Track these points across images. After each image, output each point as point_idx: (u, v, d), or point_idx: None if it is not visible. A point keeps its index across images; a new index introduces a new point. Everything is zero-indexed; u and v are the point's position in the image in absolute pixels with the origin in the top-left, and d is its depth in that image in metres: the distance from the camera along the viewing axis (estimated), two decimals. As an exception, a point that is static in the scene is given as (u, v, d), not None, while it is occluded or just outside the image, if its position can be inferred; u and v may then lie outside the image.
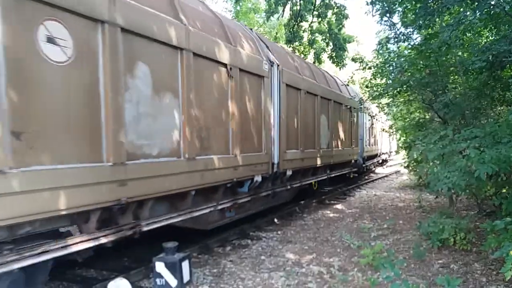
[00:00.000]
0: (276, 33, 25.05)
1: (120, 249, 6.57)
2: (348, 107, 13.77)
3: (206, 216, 6.31)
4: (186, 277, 4.46)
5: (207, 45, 5.87)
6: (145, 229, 4.85)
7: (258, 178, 7.44)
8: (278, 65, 8.25)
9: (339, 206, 11.45)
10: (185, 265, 4.47)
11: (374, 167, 22.54)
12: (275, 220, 9.10)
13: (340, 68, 20.40)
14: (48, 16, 3.68)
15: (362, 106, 12.90)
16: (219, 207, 6.46)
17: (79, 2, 3.91)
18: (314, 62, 19.96)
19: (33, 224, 3.71)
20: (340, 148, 12.91)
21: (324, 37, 19.63)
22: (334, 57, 19.25)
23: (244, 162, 6.88)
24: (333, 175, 12.58)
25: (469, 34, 7.41)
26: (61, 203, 3.71)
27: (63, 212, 3.76)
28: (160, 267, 4.37)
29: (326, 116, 11.54)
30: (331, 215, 10.10)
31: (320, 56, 20.59)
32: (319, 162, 10.79)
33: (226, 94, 6.46)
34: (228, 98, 6.50)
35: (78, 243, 4.04)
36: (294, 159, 9.02)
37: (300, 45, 20.17)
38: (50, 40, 3.70)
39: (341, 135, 13.14)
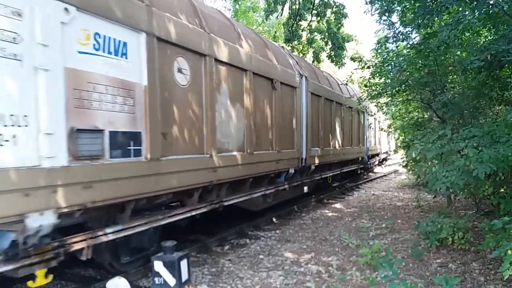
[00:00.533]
0: (275, 32, 25.05)
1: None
2: (356, 110, 15.28)
3: (256, 200, 7.99)
4: (184, 276, 4.46)
5: (261, 66, 7.81)
6: (225, 204, 6.69)
7: (292, 171, 9.23)
8: (306, 77, 10.14)
9: (337, 206, 11.46)
10: (184, 264, 4.47)
11: (375, 165, 22.93)
12: (274, 219, 9.11)
13: (339, 67, 20.38)
14: (179, 54, 5.48)
15: (362, 106, 12.96)
16: (267, 192, 8.29)
17: (194, 43, 5.73)
18: (313, 61, 19.97)
19: (166, 196, 5.37)
20: (350, 147, 14.76)
21: (323, 36, 19.62)
22: (333, 56, 19.23)
23: (282, 157, 8.67)
24: (345, 170, 14.39)
25: (468, 34, 7.41)
26: (184, 181, 5.50)
27: (185, 188, 5.57)
28: (158, 266, 4.36)
29: (340, 119, 13.43)
30: (330, 214, 10.11)
31: (319, 55, 20.59)
32: (334, 158, 12.70)
33: (270, 103, 8.27)
34: (272, 106, 8.32)
35: (191, 210, 5.88)
36: (316, 155, 10.79)
37: (299, 44, 20.16)
38: (179, 70, 5.50)
39: (351, 135, 14.97)
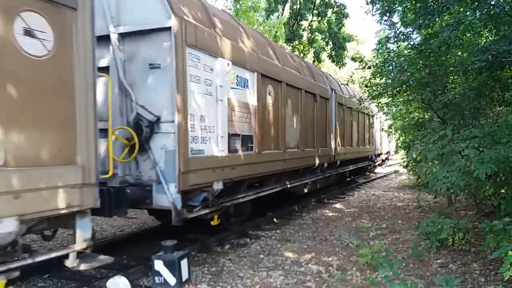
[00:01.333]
0: (276, 32, 25.03)
1: (119, 247, 6.57)
2: (367, 114, 18.20)
3: (300, 186, 10.56)
4: (185, 275, 4.47)
5: (309, 85, 10.71)
6: (289, 186, 9.42)
7: (326, 164, 12.09)
8: (334, 90, 12.99)
9: (338, 206, 11.46)
10: (184, 263, 4.48)
11: (379, 164, 23.97)
12: (274, 219, 9.11)
13: (339, 67, 20.38)
14: (269, 84, 8.28)
15: (370, 110, 13.09)
16: (311, 180, 11.12)
17: (277, 75, 8.63)
18: (313, 61, 19.95)
19: (259, 177, 8.19)
20: (363, 146, 17.74)
21: (324, 36, 19.60)
22: (333, 56, 19.22)
23: (320, 154, 11.46)
24: (360, 165, 17.63)
25: (469, 34, 7.41)
26: (271, 168, 8.30)
27: (271, 173, 8.42)
28: (159, 265, 4.37)
29: (356, 122, 16.39)
30: (330, 214, 10.11)
31: (320, 55, 20.58)
32: (352, 156, 15.64)
33: (313, 112, 11.09)
34: (314, 115, 11.16)
35: (272, 188, 8.66)
36: (341, 153, 13.82)
37: (299, 44, 20.15)
38: (269, 93, 8.30)
39: (363, 136, 17.94)
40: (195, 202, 5.95)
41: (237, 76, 6.98)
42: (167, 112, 5.54)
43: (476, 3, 5.91)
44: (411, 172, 13.94)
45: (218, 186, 6.27)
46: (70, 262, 4.03)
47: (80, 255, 4.12)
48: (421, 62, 7.94)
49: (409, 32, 9.01)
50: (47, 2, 3.67)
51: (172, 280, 4.33)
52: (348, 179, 16.94)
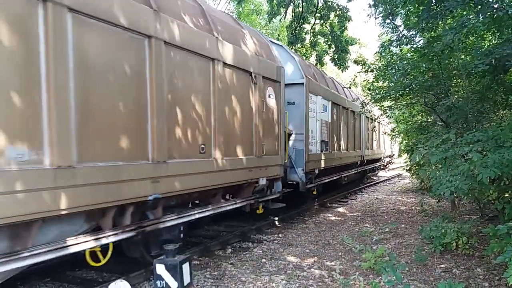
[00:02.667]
0: (278, 35, 25.08)
1: (120, 251, 6.56)
2: (378, 121, 21.46)
3: (348, 176, 15.14)
4: (186, 279, 4.44)
5: (350, 105, 15.40)
6: (326, 181, 12.51)
7: (358, 162, 16.83)
8: (364, 102, 13.92)
9: (340, 209, 11.42)
10: (186, 267, 4.45)
11: (377, 170, 23.80)
12: (276, 223, 9.08)
13: (342, 71, 20.38)
14: (335, 106, 13.63)
15: (366, 110, 13.03)
16: (352, 172, 15.78)
17: (338, 100, 14.01)
18: (316, 65, 19.96)
19: (329, 169, 13.12)
20: (378, 149, 22.08)
21: (326, 39, 19.64)
22: (336, 59, 19.24)
23: (355, 155, 16.17)
24: (377, 164, 22.80)
25: (472, 38, 7.37)
26: (336, 162, 13.40)
27: (335, 166, 13.40)
28: (160, 269, 4.34)
29: (377, 130, 21.32)
30: (333, 218, 10.07)
31: (323, 59, 20.59)
32: (371, 157, 19.80)
33: (353, 124, 15.89)
34: (354, 126, 16.04)
35: (339, 176, 13.98)
36: (366, 154, 18.41)
37: (302, 47, 20.18)
38: (334, 113, 13.70)
39: (377, 141, 21.79)
40: (307, 180, 10.51)
41: (323, 105, 11.93)
42: (299, 129, 10.51)
43: (479, 7, 5.87)
44: (414, 176, 13.88)
45: (316, 171, 11.20)
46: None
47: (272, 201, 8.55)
48: (424, 65, 7.91)
49: (412, 35, 8.97)
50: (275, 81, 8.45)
51: (174, 284, 4.30)
52: (369, 173, 21.25)
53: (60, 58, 3.96)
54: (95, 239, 4.36)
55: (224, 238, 7.30)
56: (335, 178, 13.34)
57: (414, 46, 8.81)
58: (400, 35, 9.22)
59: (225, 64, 6.61)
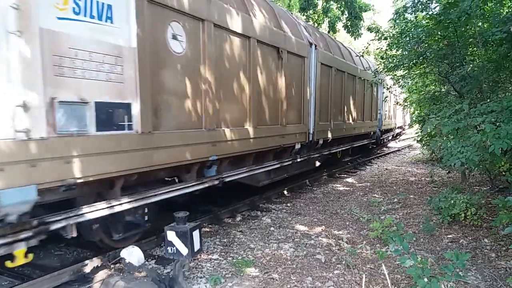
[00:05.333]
0: (290, 1, 24.37)
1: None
2: (390, 91, 17.68)
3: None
4: (196, 246, 4.55)
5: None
6: (355, 145, 13.92)
7: (376, 132, 17.10)
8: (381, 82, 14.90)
9: (349, 180, 11.46)
10: (196, 234, 4.55)
11: (388, 140, 23.40)
12: (285, 192, 9.16)
13: (355, 38, 19.87)
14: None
15: (378, 79, 12.70)
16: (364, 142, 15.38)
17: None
18: (328, 32, 19.47)
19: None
20: (389, 119, 21.44)
21: (339, 5, 19.05)
22: (349, 27, 18.72)
23: (367, 125, 15.29)
24: (392, 133, 23.80)
25: (491, 4, 7.09)
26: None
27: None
28: (171, 235, 4.45)
29: (370, 98, 16.02)
30: (341, 188, 10.12)
31: (335, 25, 20.05)
32: (387, 127, 20.94)
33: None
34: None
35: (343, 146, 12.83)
36: (384, 126, 18.28)
37: (314, 13, 19.64)
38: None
39: (388, 111, 20.84)
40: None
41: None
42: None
43: (500, -30, 5.63)
44: (425, 146, 13.77)
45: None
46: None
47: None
48: (439, 33, 7.67)
49: (428, 2, 8.65)
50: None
51: (184, 250, 4.41)
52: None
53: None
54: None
55: (233, 206, 7.41)
56: (348, 146, 13.12)
57: (430, 13, 8.52)
58: (416, 1, 8.89)
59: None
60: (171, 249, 4.48)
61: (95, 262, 4.66)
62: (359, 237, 5.99)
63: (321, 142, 10.24)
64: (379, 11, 32.42)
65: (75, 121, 3.81)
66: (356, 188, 10.16)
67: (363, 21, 19.10)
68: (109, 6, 4.13)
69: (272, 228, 6.41)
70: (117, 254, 4.72)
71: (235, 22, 6.29)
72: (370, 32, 10.97)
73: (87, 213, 4.08)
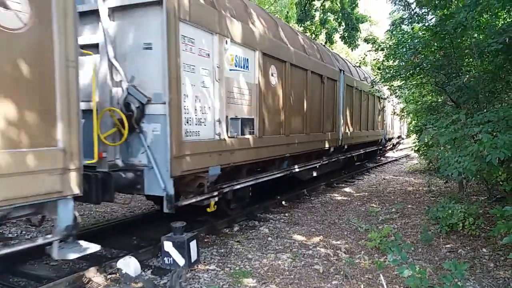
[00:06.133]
0: (287, 12, 24.59)
1: (129, 229, 6.67)
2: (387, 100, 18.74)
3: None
4: (193, 256, 4.51)
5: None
6: (358, 153, 14.70)
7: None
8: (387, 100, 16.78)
9: (347, 189, 11.44)
10: (193, 244, 4.51)
11: (390, 148, 24.24)
12: (283, 202, 9.14)
13: (352, 49, 20.04)
14: None
15: (376, 90, 12.85)
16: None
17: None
18: (325, 43, 19.62)
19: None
20: (380, 131, 20.09)
21: (336, 17, 19.23)
22: (346, 38, 18.88)
23: (373, 134, 16.65)
24: (394, 142, 24.05)
25: (486, 16, 7.17)
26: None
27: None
28: (168, 246, 4.41)
29: (377, 110, 18.05)
30: (339, 198, 10.10)
31: (332, 36, 20.23)
32: (392, 135, 22.58)
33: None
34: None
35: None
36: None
37: (311, 24, 19.81)
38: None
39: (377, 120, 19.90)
40: None
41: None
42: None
43: (495, -17, 5.70)
44: (423, 156, 13.79)
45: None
46: None
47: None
48: (435, 44, 7.74)
49: (424, 13, 8.76)
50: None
51: (181, 261, 4.37)
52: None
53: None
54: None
55: (231, 216, 7.38)
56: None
57: (426, 24, 8.61)
58: (412, 12, 9.00)
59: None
60: (168, 259, 4.44)
61: (91, 272, 4.62)
62: (357, 247, 5.97)
63: (346, 146, 12.79)
64: (376, 23, 32.81)
65: (234, 129, 6.40)
66: (354, 197, 10.14)
67: (360, 32, 19.29)
68: (247, 60, 6.79)
69: (269, 238, 6.38)
70: (113, 264, 4.68)
71: (301, 61, 8.96)
72: (367, 43, 11.08)
73: (239, 183, 6.80)
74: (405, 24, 9.85)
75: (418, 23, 9.17)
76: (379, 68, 11.15)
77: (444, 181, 10.91)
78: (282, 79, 8.03)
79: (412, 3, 9.16)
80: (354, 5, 18.18)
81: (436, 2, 6.75)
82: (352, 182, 12.90)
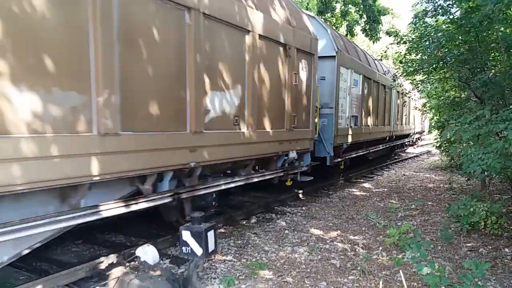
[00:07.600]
0: (308, 4, 24.34)
1: (149, 217, 6.78)
2: (409, 96, 20.26)
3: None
4: (211, 246, 4.55)
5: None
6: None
7: (387, 138, 16.94)
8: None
9: (366, 185, 11.34)
10: (211, 235, 4.55)
11: (412, 143, 25.36)
12: (300, 195, 9.12)
13: (373, 42, 19.73)
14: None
15: (396, 83, 12.66)
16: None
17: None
18: (346, 35, 19.37)
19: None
20: (411, 125, 23.00)
21: (357, 9, 18.94)
22: (367, 30, 18.60)
23: (385, 130, 16.13)
24: (406, 140, 23.08)
25: (514, 8, 6.93)
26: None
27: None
28: (186, 235, 4.46)
29: (402, 105, 19.59)
30: (358, 193, 10.02)
31: (353, 29, 19.94)
32: (405, 133, 21.40)
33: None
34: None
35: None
36: (395, 130, 17.94)
37: (332, 16, 19.58)
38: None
39: (406, 116, 21.87)
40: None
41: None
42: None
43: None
44: (444, 153, 13.53)
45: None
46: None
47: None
48: (460, 37, 7.54)
49: (449, 6, 8.50)
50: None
51: (199, 251, 4.42)
52: (397, 149, 23.20)
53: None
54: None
55: (248, 208, 7.41)
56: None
57: (451, 17, 8.38)
58: (436, 5, 8.76)
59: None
60: (186, 249, 4.50)
61: (111, 259, 4.71)
62: (375, 243, 5.91)
63: (394, 137, 17.19)
64: (398, 15, 32.13)
65: (352, 122, 11.56)
66: (372, 193, 10.04)
67: (382, 24, 18.94)
68: (357, 81, 11.65)
69: (286, 231, 6.39)
70: (132, 252, 4.77)
71: (381, 79, 14.61)
72: (389, 36, 10.87)
73: (357, 153, 12.45)
74: (429, 17, 9.58)
75: (442, 15, 8.91)
76: (401, 62, 10.95)
77: (466, 178, 10.68)
78: (370, 90, 13.14)
79: (437, -5, 8.89)
80: (376, -3, 17.87)
81: (462, -7, 6.55)
82: (371, 178, 12.77)
